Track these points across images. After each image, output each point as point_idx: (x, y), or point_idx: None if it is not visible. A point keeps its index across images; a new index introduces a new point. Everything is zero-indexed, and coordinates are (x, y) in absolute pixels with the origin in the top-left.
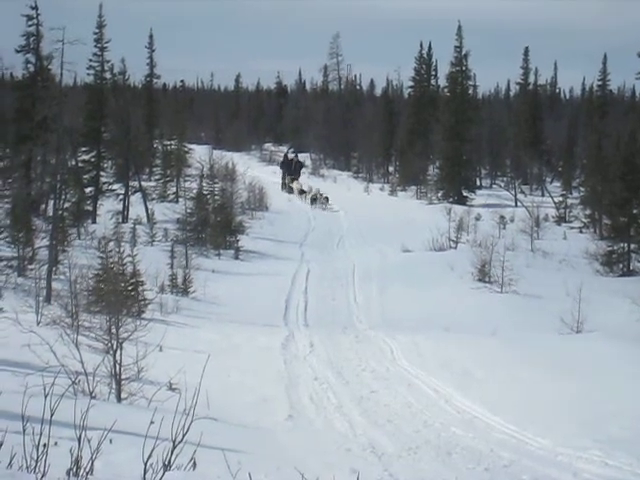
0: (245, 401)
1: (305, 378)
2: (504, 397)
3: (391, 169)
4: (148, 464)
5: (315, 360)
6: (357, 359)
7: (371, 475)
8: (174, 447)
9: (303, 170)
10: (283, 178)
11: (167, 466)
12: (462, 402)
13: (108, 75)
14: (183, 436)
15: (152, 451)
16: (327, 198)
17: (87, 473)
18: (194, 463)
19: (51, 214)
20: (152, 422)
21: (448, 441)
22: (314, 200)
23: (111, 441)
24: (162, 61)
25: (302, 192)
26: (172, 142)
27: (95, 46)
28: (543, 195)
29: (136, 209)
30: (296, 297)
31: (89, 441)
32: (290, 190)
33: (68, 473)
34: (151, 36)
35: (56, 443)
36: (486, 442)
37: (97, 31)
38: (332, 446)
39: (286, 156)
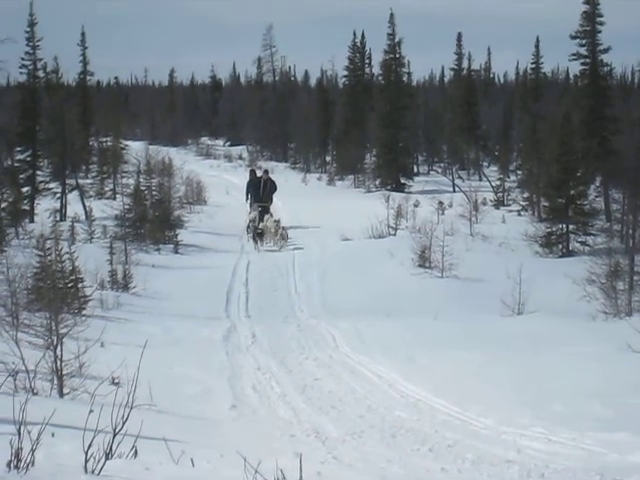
0: (188, 393)
1: (248, 368)
2: (448, 380)
3: (328, 159)
4: (89, 453)
5: (258, 350)
6: (299, 348)
7: (315, 458)
8: (114, 436)
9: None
10: (251, 208)
11: (108, 455)
12: (406, 386)
13: (41, 74)
14: (123, 424)
15: (92, 440)
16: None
17: (28, 465)
18: (135, 451)
19: None
20: (91, 410)
21: (392, 424)
22: (260, 235)
23: (53, 434)
24: (95, 58)
25: (280, 229)
26: (108, 139)
27: (27, 44)
28: (481, 180)
29: (74, 207)
30: (237, 289)
31: (29, 433)
32: (259, 236)
33: (9, 465)
34: (83, 33)
35: None
36: (430, 424)
37: (28, 29)
38: (276, 433)
39: (253, 173)
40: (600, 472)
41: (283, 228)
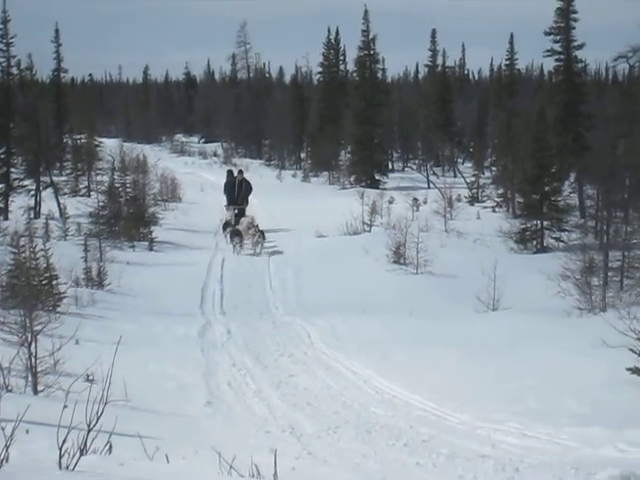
0: (163, 390)
1: (223, 365)
2: (423, 376)
3: (303, 156)
4: (64, 449)
5: (233, 347)
6: (275, 345)
7: (290, 454)
8: (89, 432)
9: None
10: (228, 209)
11: (83, 450)
12: (381, 382)
13: (15, 71)
14: (97, 420)
15: (67, 436)
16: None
17: (2, 461)
18: (110, 447)
19: None
20: (65, 406)
21: (367, 420)
22: (237, 235)
23: (27, 431)
24: (69, 55)
25: (256, 232)
26: (82, 136)
27: (0, 42)
28: (455, 176)
29: (48, 204)
30: (212, 286)
31: (3, 430)
32: (237, 236)
33: None
34: (57, 30)
35: None
36: (405, 420)
37: (1, 27)
38: (251, 429)
39: (231, 174)
40: (575, 466)
41: (261, 232)
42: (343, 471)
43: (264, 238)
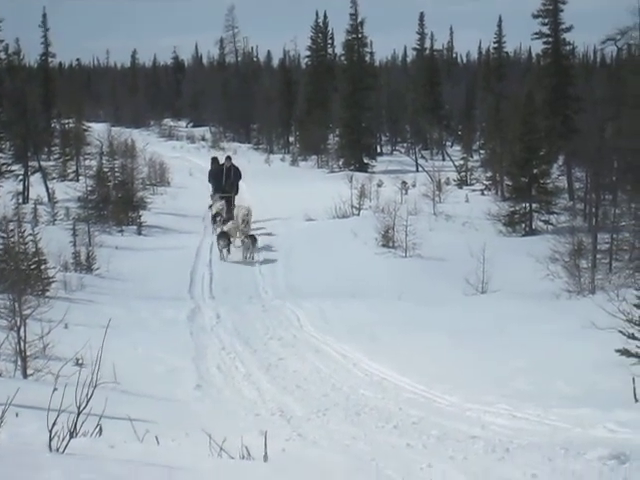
0: (153, 373)
1: (212, 349)
2: (412, 359)
3: (291, 139)
4: (53, 432)
5: (222, 331)
6: (264, 328)
7: (280, 436)
8: (79, 414)
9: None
10: (214, 198)
11: (72, 433)
12: (370, 365)
13: (2, 55)
14: (87, 403)
15: (56, 419)
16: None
17: None
18: (100, 430)
19: None
20: (55, 389)
21: (357, 403)
22: (225, 238)
23: (17, 414)
24: (57, 40)
25: (247, 236)
26: (70, 121)
27: None
28: (444, 159)
29: (36, 189)
30: (201, 270)
31: None
32: (223, 241)
33: None
34: (44, 15)
35: None
36: (395, 402)
37: None
38: (241, 412)
39: (216, 161)
40: (564, 447)
41: (252, 237)
42: (333, 452)
43: (256, 243)
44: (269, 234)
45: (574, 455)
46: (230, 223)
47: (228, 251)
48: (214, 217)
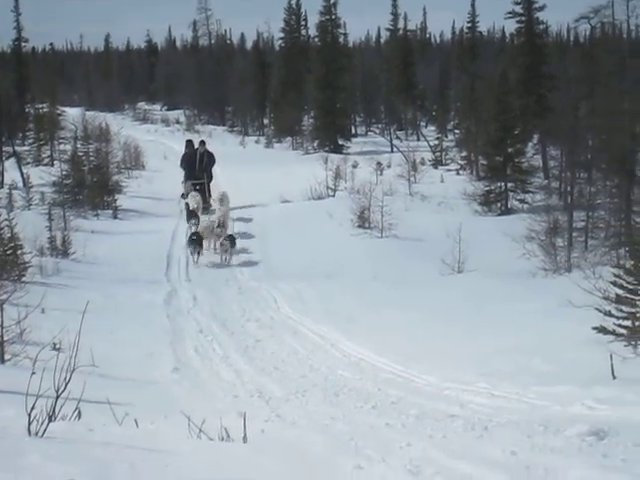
0: (130, 356)
1: (190, 331)
2: (390, 339)
3: (266, 121)
4: (32, 416)
5: (199, 313)
6: (241, 310)
7: (259, 417)
8: (57, 398)
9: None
10: (187, 186)
11: (51, 417)
12: (348, 346)
13: None
14: (65, 386)
15: (35, 403)
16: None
17: None
18: (79, 413)
19: None
20: (33, 373)
21: (335, 383)
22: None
23: None
24: (29, 25)
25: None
26: (44, 105)
27: None
28: (419, 140)
29: (11, 174)
30: (177, 253)
31: None
32: (195, 246)
33: None
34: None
35: None
36: (373, 382)
37: None
38: (219, 394)
39: (191, 144)
40: (543, 424)
41: (231, 237)
42: (312, 433)
43: (234, 244)
44: (244, 217)
45: (553, 432)
46: (205, 222)
47: (199, 254)
48: (188, 215)
